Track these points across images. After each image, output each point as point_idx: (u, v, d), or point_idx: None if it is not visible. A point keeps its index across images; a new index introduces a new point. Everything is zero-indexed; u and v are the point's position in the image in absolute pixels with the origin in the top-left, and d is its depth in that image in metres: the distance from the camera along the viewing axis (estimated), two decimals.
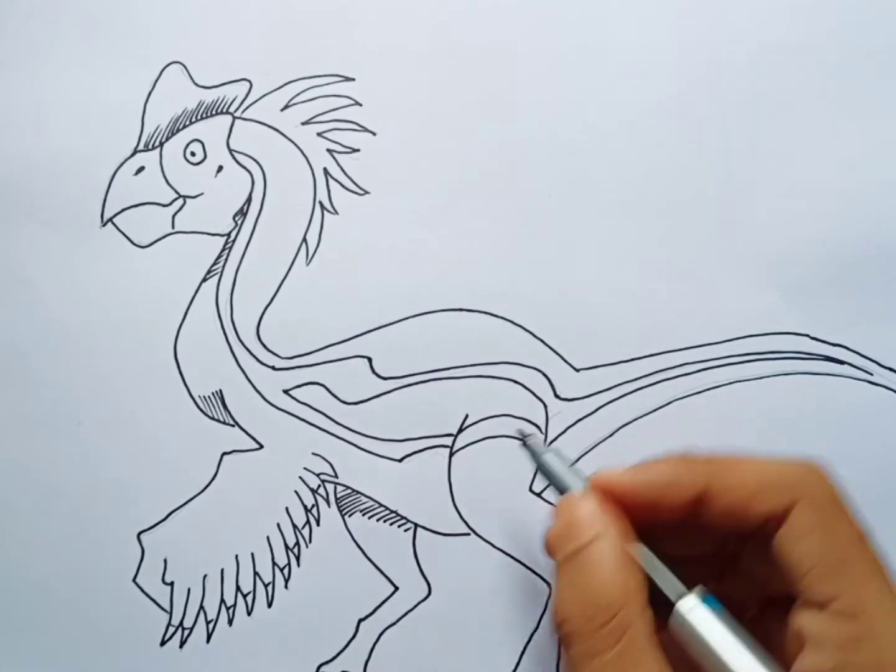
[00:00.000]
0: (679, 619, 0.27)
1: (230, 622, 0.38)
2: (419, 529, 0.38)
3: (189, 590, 0.38)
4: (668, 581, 0.28)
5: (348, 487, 0.38)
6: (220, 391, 0.38)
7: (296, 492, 0.38)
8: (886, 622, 0.25)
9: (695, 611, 0.27)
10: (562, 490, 0.30)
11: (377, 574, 0.37)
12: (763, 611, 0.30)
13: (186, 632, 0.38)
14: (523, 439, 0.33)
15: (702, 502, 0.28)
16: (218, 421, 0.38)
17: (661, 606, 0.27)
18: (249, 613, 0.38)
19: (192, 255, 0.39)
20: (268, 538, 0.38)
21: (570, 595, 0.27)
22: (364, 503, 0.38)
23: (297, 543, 0.38)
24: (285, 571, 0.38)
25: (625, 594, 0.26)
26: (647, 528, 0.29)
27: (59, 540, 0.38)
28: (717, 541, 0.30)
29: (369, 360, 0.38)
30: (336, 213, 0.39)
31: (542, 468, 0.32)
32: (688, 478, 0.28)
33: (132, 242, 0.39)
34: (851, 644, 0.25)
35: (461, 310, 0.38)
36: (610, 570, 0.27)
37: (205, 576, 0.38)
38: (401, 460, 0.38)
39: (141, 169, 0.39)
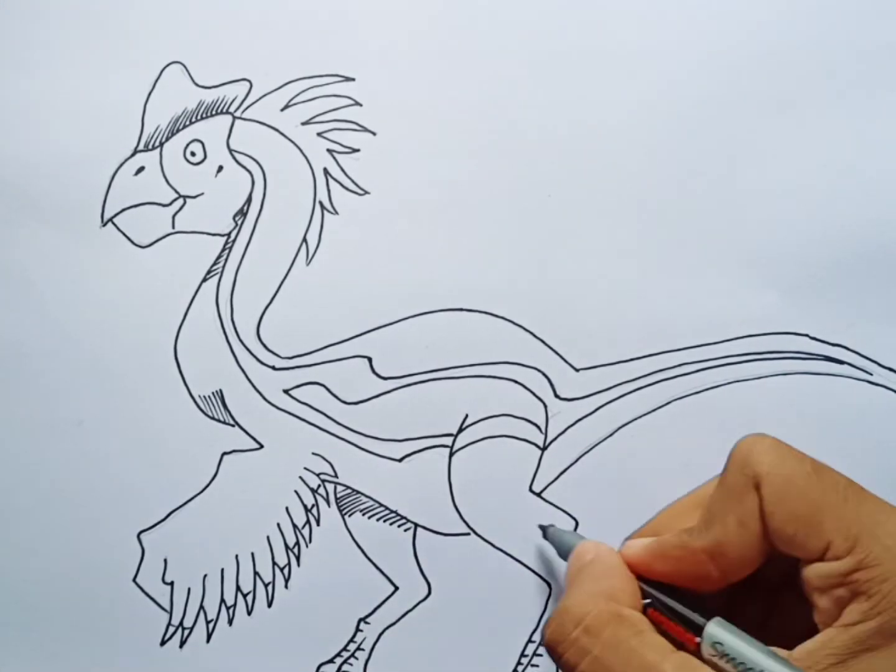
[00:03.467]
0: (710, 642, 0.28)
1: (230, 622, 0.38)
2: (419, 529, 0.38)
3: (189, 590, 0.38)
4: (690, 613, 0.29)
5: (348, 487, 0.38)
6: (220, 391, 0.38)
7: (296, 492, 0.38)
8: (885, 536, 0.26)
9: (724, 634, 0.27)
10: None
11: (377, 574, 0.37)
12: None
13: (186, 632, 0.38)
14: (543, 529, 0.35)
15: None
16: (218, 421, 0.38)
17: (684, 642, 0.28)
18: (249, 613, 0.38)
19: (192, 255, 0.39)
20: (268, 538, 0.38)
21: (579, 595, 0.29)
22: (364, 503, 0.38)
23: (297, 543, 0.38)
24: (285, 571, 0.38)
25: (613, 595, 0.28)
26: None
27: (59, 540, 0.38)
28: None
29: (369, 360, 0.38)
30: (336, 213, 0.39)
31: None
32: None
33: (132, 242, 0.39)
34: (861, 572, 0.25)
35: (461, 310, 0.38)
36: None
37: (205, 576, 0.38)
38: (401, 460, 0.38)
39: (141, 169, 0.39)
